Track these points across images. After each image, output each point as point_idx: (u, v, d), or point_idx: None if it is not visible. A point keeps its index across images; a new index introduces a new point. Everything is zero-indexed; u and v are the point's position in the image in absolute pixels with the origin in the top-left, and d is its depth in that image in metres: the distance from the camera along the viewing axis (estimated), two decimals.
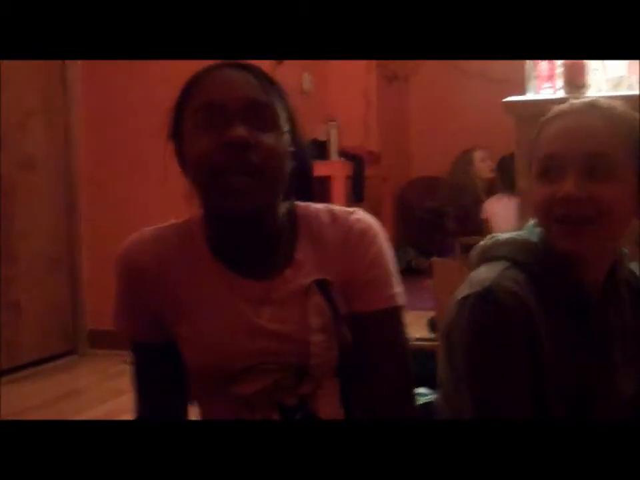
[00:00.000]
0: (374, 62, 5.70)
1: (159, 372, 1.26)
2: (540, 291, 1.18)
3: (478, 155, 5.04)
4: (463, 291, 1.19)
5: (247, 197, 1.13)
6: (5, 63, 3.48)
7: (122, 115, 3.91)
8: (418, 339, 2.86)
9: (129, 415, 1.31)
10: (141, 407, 1.28)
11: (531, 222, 1.28)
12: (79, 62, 3.92)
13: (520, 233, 1.28)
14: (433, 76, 6.19)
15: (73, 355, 3.92)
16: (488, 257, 1.24)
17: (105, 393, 3.32)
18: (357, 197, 4.65)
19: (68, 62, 3.88)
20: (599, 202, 1.14)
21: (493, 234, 1.30)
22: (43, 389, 3.42)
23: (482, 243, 1.29)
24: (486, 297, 1.14)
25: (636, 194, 1.18)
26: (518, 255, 1.21)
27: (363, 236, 1.22)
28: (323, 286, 1.21)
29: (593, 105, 1.20)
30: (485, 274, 1.19)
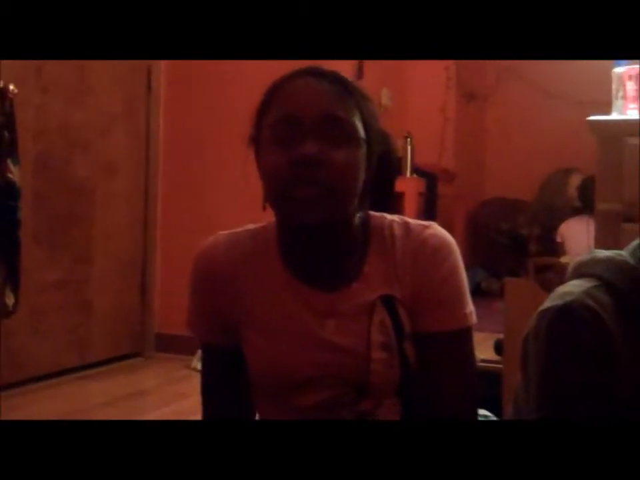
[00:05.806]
0: (453, 79, 5.65)
1: (227, 375, 1.26)
2: (628, 317, 1.12)
3: (575, 179, 4.83)
4: (545, 304, 1.15)
5: (315, 209, 1.12)
6: (90, 68, 3.58)
7: (201, 119, 3.97)
8: (483, 360, 2.82)
9: (193, 418, 1.32)
10: (207, 408, 1.29)
11: (636, 241, 1.21)
12: (162, 67, 3.99)
13: (620, 252, 1.20)
14: (512, 96, 6.09)
15: (139, 357, 3.99)
16: (581, 273, 1.19)
17: (169, 395, 3.37)
18: (428, 214, 4.61)
19: (152, 67, 3.95)
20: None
21: (592, 251, 1.24)
22: (109, 388, 3.49)
23: (579, 258, 1.23)
24: (565, 311, 1.10)
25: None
26: (611, 276, 1.15)
27: (436, 252, 1.19)
28: (389, 302, 1.19)
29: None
30: (569, 288, 1.14)
